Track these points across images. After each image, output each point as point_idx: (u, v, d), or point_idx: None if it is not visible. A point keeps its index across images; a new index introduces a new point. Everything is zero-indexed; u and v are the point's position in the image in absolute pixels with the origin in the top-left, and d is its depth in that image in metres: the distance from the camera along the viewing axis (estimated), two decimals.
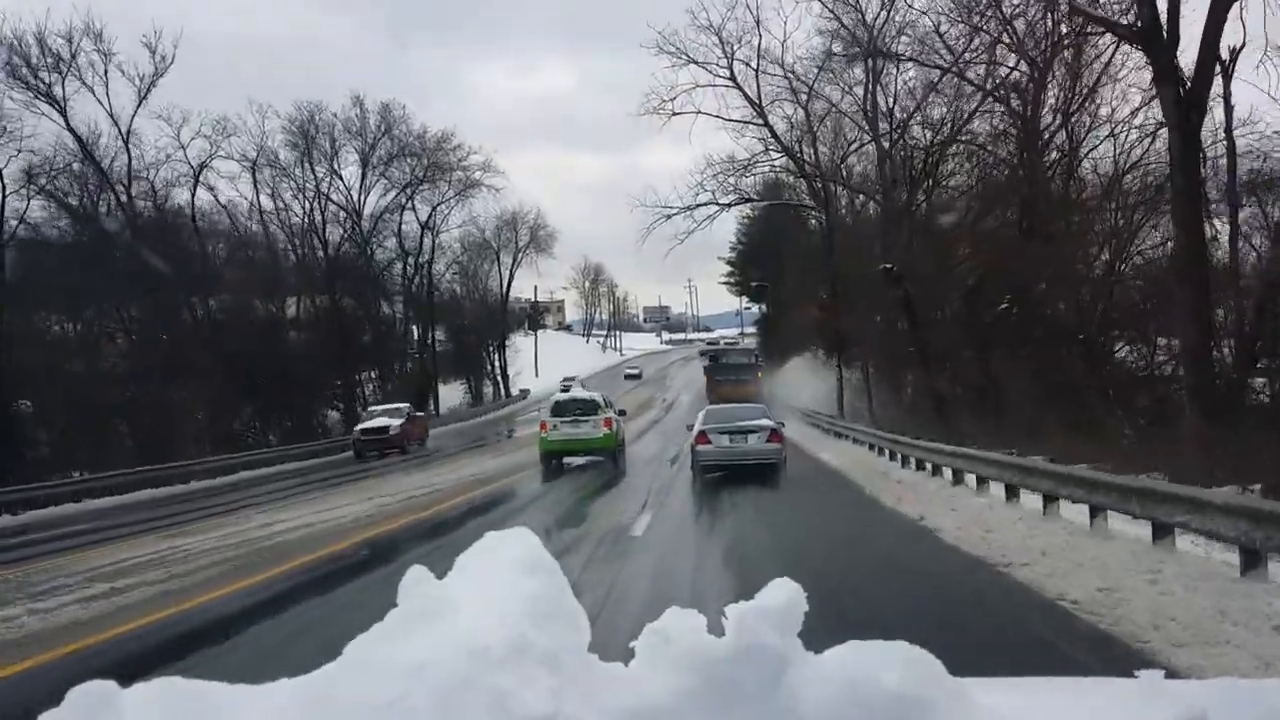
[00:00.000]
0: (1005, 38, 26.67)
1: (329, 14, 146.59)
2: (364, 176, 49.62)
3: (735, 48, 35.78)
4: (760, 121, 37.76)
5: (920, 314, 29.84)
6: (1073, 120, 26.51)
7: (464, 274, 62.88)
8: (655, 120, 43.21)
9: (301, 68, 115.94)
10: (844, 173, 40.45)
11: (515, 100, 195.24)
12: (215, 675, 1.41)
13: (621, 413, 25.46)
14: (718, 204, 39.42)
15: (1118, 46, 24.79)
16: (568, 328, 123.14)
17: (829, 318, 38.69)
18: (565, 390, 30.00)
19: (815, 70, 35.48)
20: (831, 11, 32.41)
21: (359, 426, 32.84)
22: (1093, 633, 5.99)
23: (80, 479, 25.25)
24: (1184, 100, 17.16)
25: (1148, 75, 24.58)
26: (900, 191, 33.65)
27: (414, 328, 55.76)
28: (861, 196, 40.97)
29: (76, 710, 1.28)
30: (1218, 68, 18.49)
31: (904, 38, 30.39)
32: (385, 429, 31.75)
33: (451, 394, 59.61)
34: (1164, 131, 25.17)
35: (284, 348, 43.16)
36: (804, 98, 37.20)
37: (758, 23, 36.01)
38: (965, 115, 29.72)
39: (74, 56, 33.29)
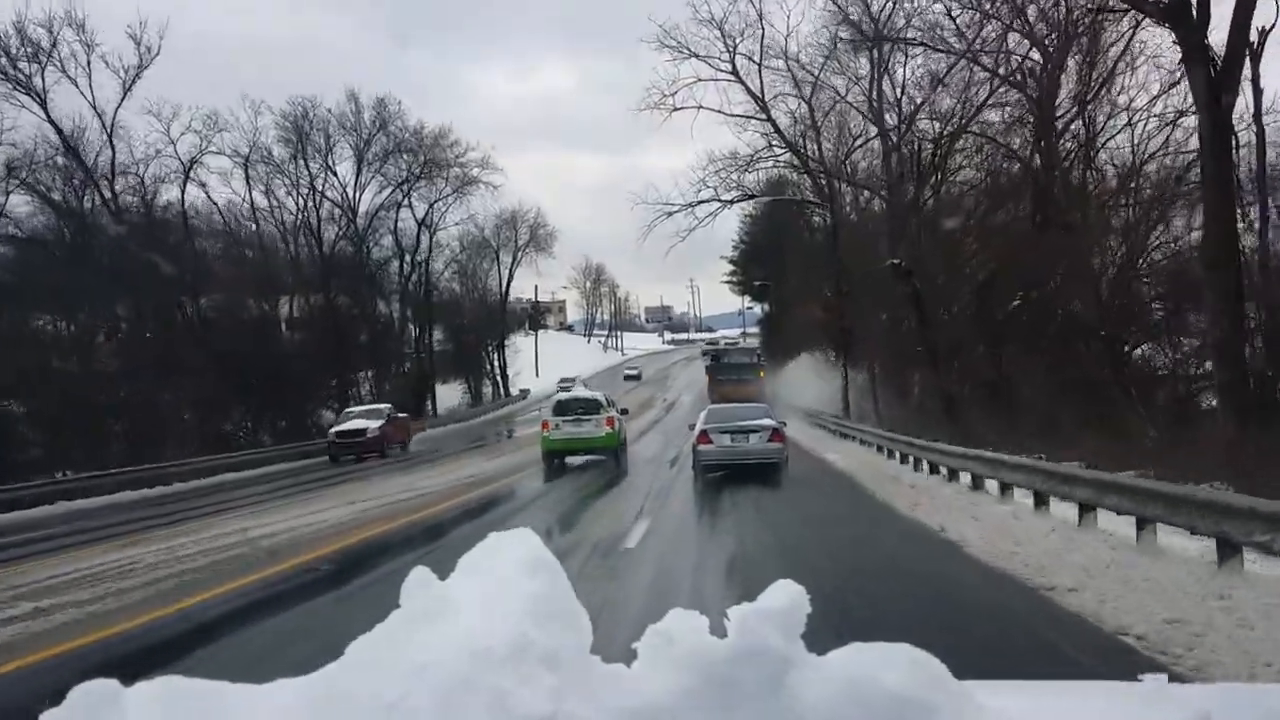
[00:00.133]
0: (1017, 24, 25.73)
1: (329, 14, 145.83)
2: (359, 173, 48.69)
3: (737, 41, 35.30)
4: (763, 116, 37.17)
5: (929, 311, 28.90)
6: (1089, 108, 25.50)
7: (463, 273, 61.93)
8: (655, 120, 42.58)
9: (301, 68, 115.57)
10: (848, 169, 39.55)
11: (515, 101, 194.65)
12: None
13: (624, 412, 25.20)
14: (720, 200, 38.61)
15: (1135, 31, 23.91)
16: (569, 328, 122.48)
17: (833, 317, 37.73)
18: (563, 391, 29.14)
19: (820, 60, 34.70)
20: (836, 2, 31.45)
21: (334, 429, 31.24)
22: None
23: (56, 481, 24.41)
24: (1215, 81, 16.22)
25: (1166, 61, 23.84)
26: (908, 185, 32.74)
27: (412, 327, 54.69)
28: (866, 193, 40.12)
29: (78, 709, 1.29)
30: (1246, 50, 17.56)
31: (912, 29, 29.53)
32: (362, 431, 30.31)
33: (450, 394, 58.81)
34: (1184, 120, 24.36)
35: (277, 347, 42.38)
36: (808, 91, 36.60)
37: (760, 16, 35.17)
38: (976, 106, 28.79)
39: (54, 46, 32.27)
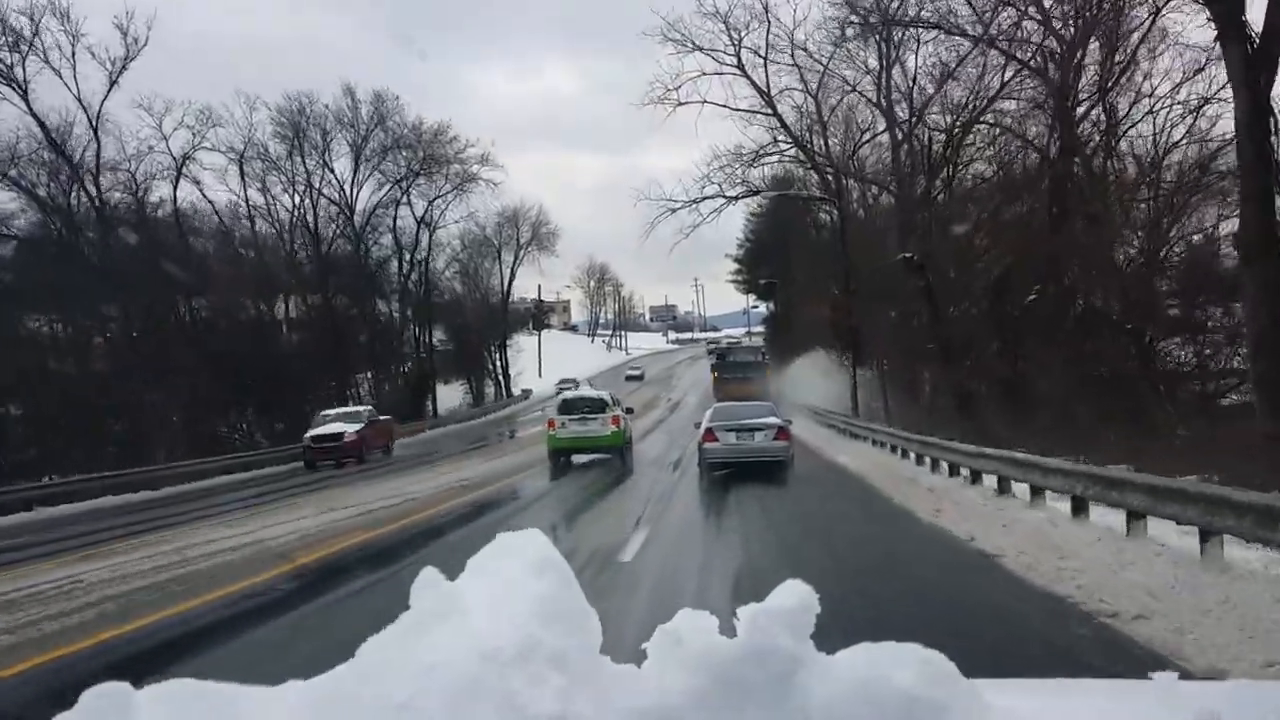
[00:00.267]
0: (1033, 10, 24.75)
1: (329, 14, 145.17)
2: (356, 169, 47.75)
3: (742, 34, 34.35)
4: (769, 111, 36.30)
5: (941, 306, 27.93)
6: (1110, 95, 24.46)
7: (464, 272, 61.02)
8: (657, 119, 41.80)
9: (300, 68, 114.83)
10: (856, 164, 38.60)
11: (515, 101, 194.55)
12: None
13: (629, 410, 25.15)
14: (724, 196, 37.55)
15: (1157, 15, 22.90)
16: (573, 328, 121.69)
17: (841, 315, 36.73)
18: (563, 392, 28.25)
19: (828, 50, 33.75)
20: None
21: (309, 433, 29.50)
22: None
23: (40, 485, 23.63)
24: (1252, 59, 15.26)
25: (1189, 46, 22.84)
26: (918, 179, 31.75)
27: (412, 327, 53.74)
28: (874, 189, 39.15)
29: (90, 712, 1.28)
30: None
31: (924, 16, 28.47)
32: (339, 435, 28.72)
33: (452, 394, 58.01)
34: (1208, 108, 23.36)
35: (274, 347, 41.55)
36: (814, 86, 35.80)
37: (766, 8, 34.09)
38: (990, 95, 27.80)
39: (36, 35, 31.25)
